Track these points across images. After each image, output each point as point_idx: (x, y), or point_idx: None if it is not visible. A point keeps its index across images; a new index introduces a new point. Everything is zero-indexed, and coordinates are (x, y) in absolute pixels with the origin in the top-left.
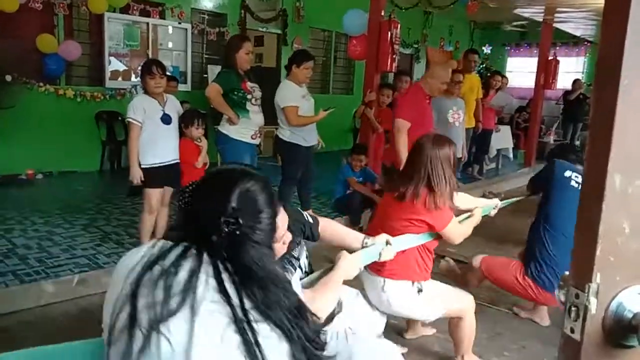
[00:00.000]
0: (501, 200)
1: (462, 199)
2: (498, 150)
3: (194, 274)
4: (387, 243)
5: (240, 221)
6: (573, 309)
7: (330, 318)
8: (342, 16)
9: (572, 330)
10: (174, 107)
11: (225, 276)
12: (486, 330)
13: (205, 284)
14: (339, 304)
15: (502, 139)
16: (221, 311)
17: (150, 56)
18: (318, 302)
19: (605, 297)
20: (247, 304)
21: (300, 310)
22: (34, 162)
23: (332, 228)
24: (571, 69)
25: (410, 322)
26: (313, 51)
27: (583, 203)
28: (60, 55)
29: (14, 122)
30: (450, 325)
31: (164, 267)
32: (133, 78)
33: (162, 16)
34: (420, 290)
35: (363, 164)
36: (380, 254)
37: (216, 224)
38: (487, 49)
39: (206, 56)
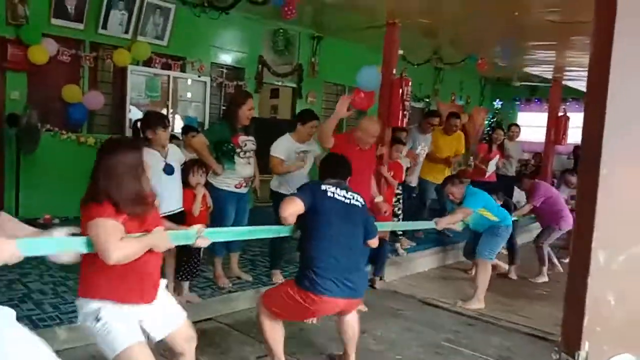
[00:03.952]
0: None
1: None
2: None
3: None
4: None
5: None
6: None
7: None
8: (354, 71)
9: None
10: (176, 157)
11: None
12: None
13: None
14: None
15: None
16: None
17: (170, 107)
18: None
19: None
20: None
21: None
22: (52, 207)
23: None
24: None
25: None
26: (327, 104)
27: (571, 277)
28: (84, 105)
29: (35, 167)
30: None
31: None
32: None
33: (182, 69)
34: (98, 319)
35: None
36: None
37: None
38: (497, 104)
39: (224, 107)
